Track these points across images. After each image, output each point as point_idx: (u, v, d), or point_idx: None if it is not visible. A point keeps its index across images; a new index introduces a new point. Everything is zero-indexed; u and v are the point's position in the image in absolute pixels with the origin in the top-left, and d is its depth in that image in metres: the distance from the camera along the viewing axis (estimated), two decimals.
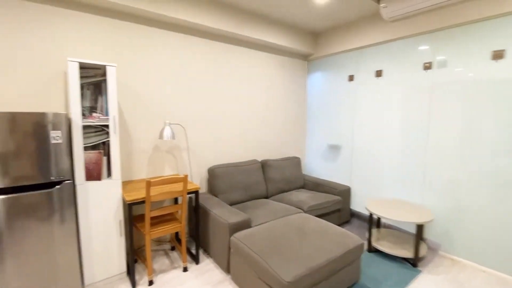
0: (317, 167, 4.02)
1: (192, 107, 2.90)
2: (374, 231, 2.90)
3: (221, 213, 2.34)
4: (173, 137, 2.54)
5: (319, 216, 3.00)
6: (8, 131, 1.60)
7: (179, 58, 2.76)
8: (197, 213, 2.47)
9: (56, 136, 1.72)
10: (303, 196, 3.12)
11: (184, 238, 2.30)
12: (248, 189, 3.08)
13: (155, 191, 2.15)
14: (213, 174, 2.91)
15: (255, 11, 2.99)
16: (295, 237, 2.02)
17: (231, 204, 2.94)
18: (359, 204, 3.44)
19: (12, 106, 1.99)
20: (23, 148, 1.65)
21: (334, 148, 3.73)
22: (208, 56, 2.97)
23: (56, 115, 1.74)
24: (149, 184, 1.98)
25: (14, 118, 1.62)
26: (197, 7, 2.62)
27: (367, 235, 2.94)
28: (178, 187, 2.32)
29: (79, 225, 1.95)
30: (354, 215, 3.55)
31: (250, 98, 3.40)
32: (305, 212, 2.82)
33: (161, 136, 2.50)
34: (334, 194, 3.28)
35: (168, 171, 2.81)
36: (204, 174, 3.08)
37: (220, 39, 3.04)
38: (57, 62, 2.13)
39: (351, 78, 3.46)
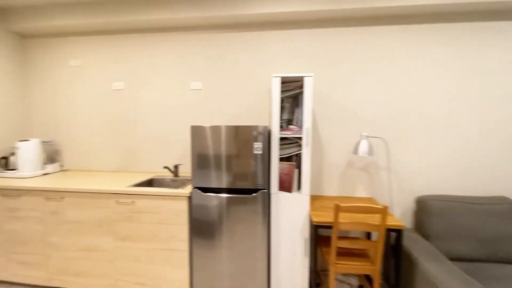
0: None
1: (396, 116, 2.27)
2: None
3: (438, 273, 1.56)
4: (370, 153, 2.08)
5: None
6: (233, 141, 1.91)
7: (378, 57, 2.25)
8: (397, 258, 1.83)
9: (257, 147, 1.86)
10: None
11: (377, 285, 1.76)
12: (488, 243, 1.94)
13: (344, 217, 1.81)
14: (425, 207, 2.09)
15: None
16: None
17: (453, 259, 1.98)
18: None
19: (232, 120, 2.47)
20: (240, 156, 1.91)
21: None
22: (419, 47, 2.20)
23: (263, 127, 1.88)
24: (338, 209, 1.67)
25: (237, 131, 1.91)
26: None
27: None
28: (374, 219, 1.82)
29: (270, 233, 2.03)
30: None
31: (493, 99, 2.16)
32: None
33: (356, 151, 2.12)
34: None
35: (360, 192, 2.37)
36: (409, 205, 2.31)
37: (440, 18, 2.16)
38: (264, 79, 2.40)
39: None
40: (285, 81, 2.06)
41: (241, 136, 1.90)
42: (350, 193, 2.38)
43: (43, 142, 2.58)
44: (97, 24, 2.41)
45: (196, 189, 1.96)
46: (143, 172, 2.61)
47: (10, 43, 2.59)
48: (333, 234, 1.73)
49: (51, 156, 2.73)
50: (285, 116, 2.12)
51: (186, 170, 2.55)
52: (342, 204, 1.66)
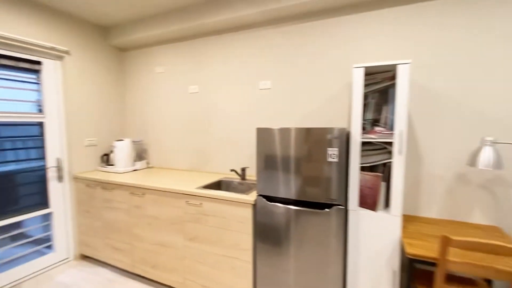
0: None
1: None
2: None
3: None
4: (497, 165, 1.48)
5: None
6: (303, 145, 1.65)
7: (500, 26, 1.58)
8: None
9: (332, 154, 1.55)
10: None
11: None
12: None
13: (456, 254, 1.32)
14: None
15: None
16: None
17: None
18: None
19: (304, 121, 2.21)
20: (311, 163, 1.64)
21: None
22: None
23: (340, 130, 1.56)
24: (446, 242, 1.22)
25: (308, 134, 1.64)
26: None
27: None
28: (505, 261, 1.26)
29: (346, 258, 1.69)
30: None
31: None
32: None
33: (472, 162, 1.55)
34: None
35: (477, 218, 1.75)
36: None
37: None
38: (343, 73, 2.04)
39: None
40: (369, 72, 1.68)
41: (313, 140, 1.62)
42: (461, 216, 1.79)
43: (133, 141, 2.92)
44: (174, 32, 2.54)
45: (261, 197, 1.80)
46: (214, 173, 2.64)
47: (112, 56, 3.02)
48: (438, 275, 1.28)
49: (140, 154, 3.08)
50: (369, 116, 1.74)
51: (254, 173, 2.44)
52: (455, 238, 1.20)
